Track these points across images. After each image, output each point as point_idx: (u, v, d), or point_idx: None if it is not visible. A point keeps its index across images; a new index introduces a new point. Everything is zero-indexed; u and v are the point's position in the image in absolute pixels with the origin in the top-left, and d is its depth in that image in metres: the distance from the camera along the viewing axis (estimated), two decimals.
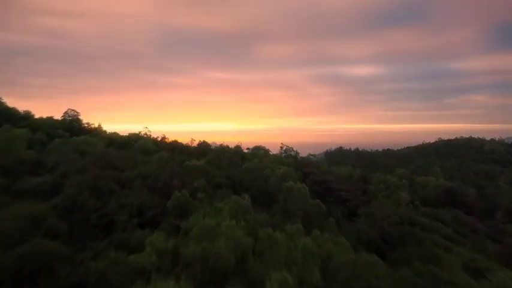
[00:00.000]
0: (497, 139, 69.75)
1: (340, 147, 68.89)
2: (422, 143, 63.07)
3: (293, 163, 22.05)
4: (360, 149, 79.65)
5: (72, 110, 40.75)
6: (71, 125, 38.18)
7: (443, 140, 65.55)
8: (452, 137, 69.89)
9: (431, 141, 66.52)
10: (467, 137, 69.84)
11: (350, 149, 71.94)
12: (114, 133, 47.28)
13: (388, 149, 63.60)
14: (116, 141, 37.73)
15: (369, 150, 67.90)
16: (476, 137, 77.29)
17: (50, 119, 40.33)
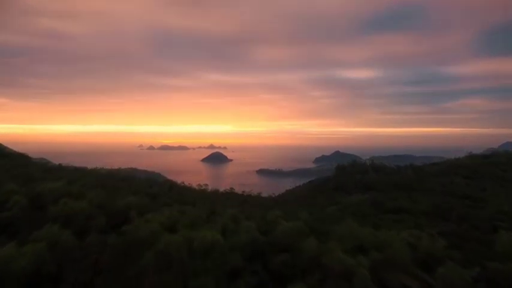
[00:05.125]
0: None
1: (354, 161, 58.74)
2: (454, 159, 53.94)
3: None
4: (375, 158, 69.74)
5: None
6: None
7: (476, 155, 56.65)
8: (487, 151, 60.86)
9: (458, 156, 57.06)
10: (502, 150, 61.07)
11: (365, 162, 61.91)
12: None
13: (411, 164, 53.83)
14: None
15: (388, 165, 58.04)
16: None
17: None
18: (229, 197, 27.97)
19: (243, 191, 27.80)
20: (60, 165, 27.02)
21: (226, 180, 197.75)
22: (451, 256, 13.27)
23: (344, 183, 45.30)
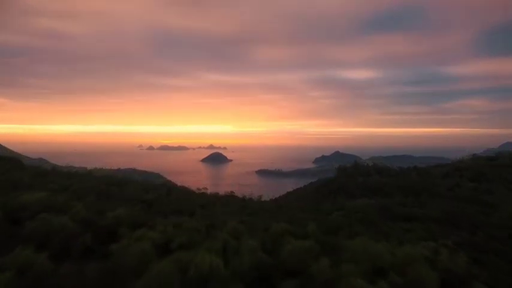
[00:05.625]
0: None
1: (356, 163, 57.84)
2: (458, 160, 53.01)
3: None
4: (374, 158, 68.90)
5: None
6: None
7: (480, 156, 55.69)
8: (487, 151, 59.67)
9: (458, 156, 55.89)
10: (503, 151, 60.14)
11: (366, 163, 61.07)
12: None
13: (415, 166, 52.92)
14: None
15: (391, 167, 57.18)
16: None
17: None
18: (229, 200, 26.98)
19: (244, 196, 26.81)
20: (54, 168, 26.05)
21: (226, 180, 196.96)
22: (474, 273, 12.31)
23: (346, 185, 44.42)
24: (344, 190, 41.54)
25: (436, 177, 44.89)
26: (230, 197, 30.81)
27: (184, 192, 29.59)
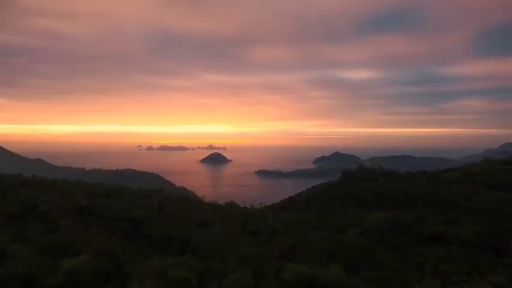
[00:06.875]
0: None
1: (361, 166, 55.40)
2: (469, 164, 50.73)
3: None
4: (374, 159, 66.25)
5: None
6: None
7: (492, 159, 53.19)
8: (486, 152, 56.68)
9: (455, 157, 53.42)
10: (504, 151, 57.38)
11: (372, 165, 58.65)
12: None
13: (424, 170, 50.51)
14: None
15: (396, 169, 54.82)
16: None
17: None
18: (229, 210, 24.38)
19: (244, 206, 24.38)
20: (34, 176, 23.46)
21: (225, 181, 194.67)
22: None
23: (352, 191, 42.08)
24: (350, 197, 39.09)
25: (446, 182, 42.32)
26: (230, 207, 28.63)
27: (180, 201, 27.34)
